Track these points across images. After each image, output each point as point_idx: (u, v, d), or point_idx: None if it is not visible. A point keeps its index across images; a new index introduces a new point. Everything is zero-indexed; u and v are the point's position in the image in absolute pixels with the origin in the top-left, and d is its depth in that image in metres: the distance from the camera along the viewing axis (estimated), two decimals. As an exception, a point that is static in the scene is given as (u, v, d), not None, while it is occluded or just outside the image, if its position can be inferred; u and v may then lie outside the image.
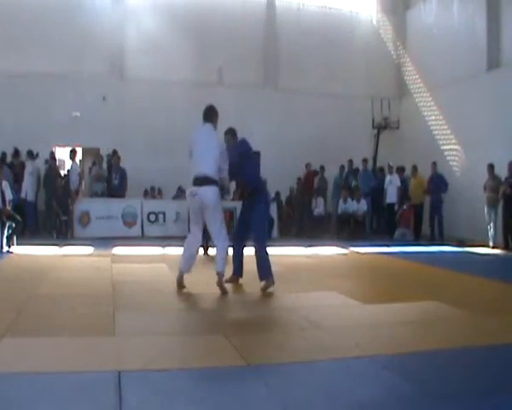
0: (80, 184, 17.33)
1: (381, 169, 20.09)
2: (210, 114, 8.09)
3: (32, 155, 16.75)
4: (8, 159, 16.92)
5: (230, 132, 8.66)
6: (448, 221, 17.77)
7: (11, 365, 4.50)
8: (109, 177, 17.43)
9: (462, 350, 5.25)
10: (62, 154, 18.43)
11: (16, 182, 15.99)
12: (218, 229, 7.76)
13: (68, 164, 17.88)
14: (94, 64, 18.44)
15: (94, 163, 17.76)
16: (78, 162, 17.73)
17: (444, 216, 17.72)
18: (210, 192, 7.54)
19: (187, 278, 7.88)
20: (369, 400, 4.06)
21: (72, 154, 17.50)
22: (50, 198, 16.35)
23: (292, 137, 20.17)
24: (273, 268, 8.03)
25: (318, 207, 19.02)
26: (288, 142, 20.07)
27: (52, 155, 17.11)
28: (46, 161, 16.93)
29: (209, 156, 7.60)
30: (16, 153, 16.94)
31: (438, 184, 17.71)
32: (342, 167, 19.93)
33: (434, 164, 18.02)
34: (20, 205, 15.30)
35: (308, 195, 19.48)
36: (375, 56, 21.81)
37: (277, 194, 18.80)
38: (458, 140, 18.96)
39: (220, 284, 7.68)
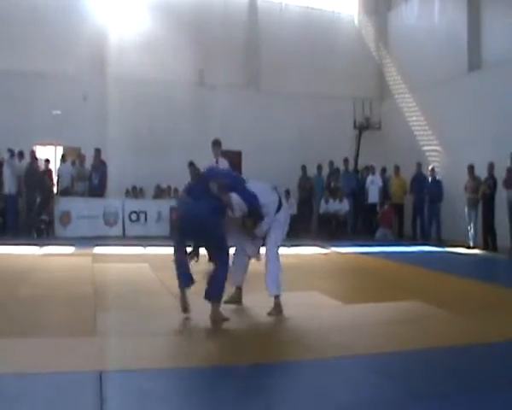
0: (73, 184, 17.45)
1: (357, 171, 20.37)
2: None
3: (12, 153, 16.59)
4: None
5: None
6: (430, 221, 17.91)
7: (-10, 366, 4.46)
8: (89, 176, 17.36)
9: (444, 349, 5.29)
10: (43, 153, 18.29)
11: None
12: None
13: (54, 164, 17.86)
14: (75, 62, 18.27)
15: (74, 162, 17.67)
16: (69, 164, 17.69)
17: (426, 216, 17.88)
18: None
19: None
20: (351, 399, 4.08)
21: (64, 156, 17.64)
22: (31, 197, 16.23)
23: (274, 138, 20.18)
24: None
25: (291, 207, 19.06)
26: (269, 142, 20.07)
27: (33, 154, 16.98)
28: (18, 156, 16.84)
29: None
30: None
31: (421, 184, 17.85)
32: (320, 167, 19.97)
33: (419, 165, 18.23)
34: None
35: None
36: (356, 57, 21.89)
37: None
38: (439, 141, 19.08)
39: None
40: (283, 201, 6.99)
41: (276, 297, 6.70)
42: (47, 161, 17.51)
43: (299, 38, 20.97)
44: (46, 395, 3.92)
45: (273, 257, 6.68)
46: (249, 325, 6.31)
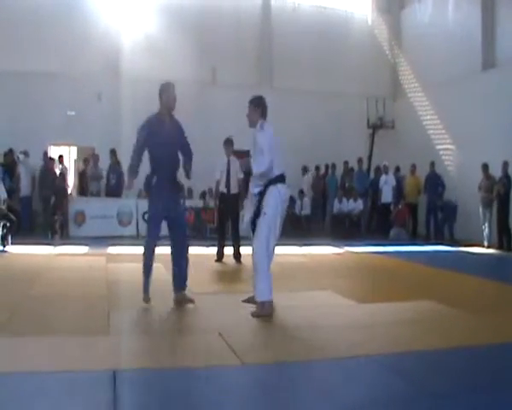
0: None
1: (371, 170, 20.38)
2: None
3: (26, 154, 16.71)
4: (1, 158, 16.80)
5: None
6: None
7: (5, 364, 4.48)
8: (107, 176, 17.46)
9: (457, 349, 5.25)
10: (57, 153, 18.38)
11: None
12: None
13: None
14: (89, 62, 18.31)
15: (88, 162, 17.73)
16: (66, 165, 17.85)
17: (440, 216, 17.85)
18: None
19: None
20: (364, 399, 4.07)
21: (61, 156, 17.80)
22: (47, 197, 16.31)
23: (287, 137, 20.06)
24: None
25: (305, 208, 19.00)
26: (283, 142, 19.88)
27: (46, 154, 17.07)
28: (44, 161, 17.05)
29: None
30: (10, 152, 16.82)
31: (434, 183, 17.80)
32: (333, 166, 19.96)
33: (432, 164, 18.16)
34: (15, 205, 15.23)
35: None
36: (369, 56, 21.82)
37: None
38: (453, 140, 18.99)
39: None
40: (281, 187, 6.77)
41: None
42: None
43: (312, 37, 20.93)
44: (60, 393, 3.94)
45: (258, 250, 6.45)
46: (262, 324, 6.29)
